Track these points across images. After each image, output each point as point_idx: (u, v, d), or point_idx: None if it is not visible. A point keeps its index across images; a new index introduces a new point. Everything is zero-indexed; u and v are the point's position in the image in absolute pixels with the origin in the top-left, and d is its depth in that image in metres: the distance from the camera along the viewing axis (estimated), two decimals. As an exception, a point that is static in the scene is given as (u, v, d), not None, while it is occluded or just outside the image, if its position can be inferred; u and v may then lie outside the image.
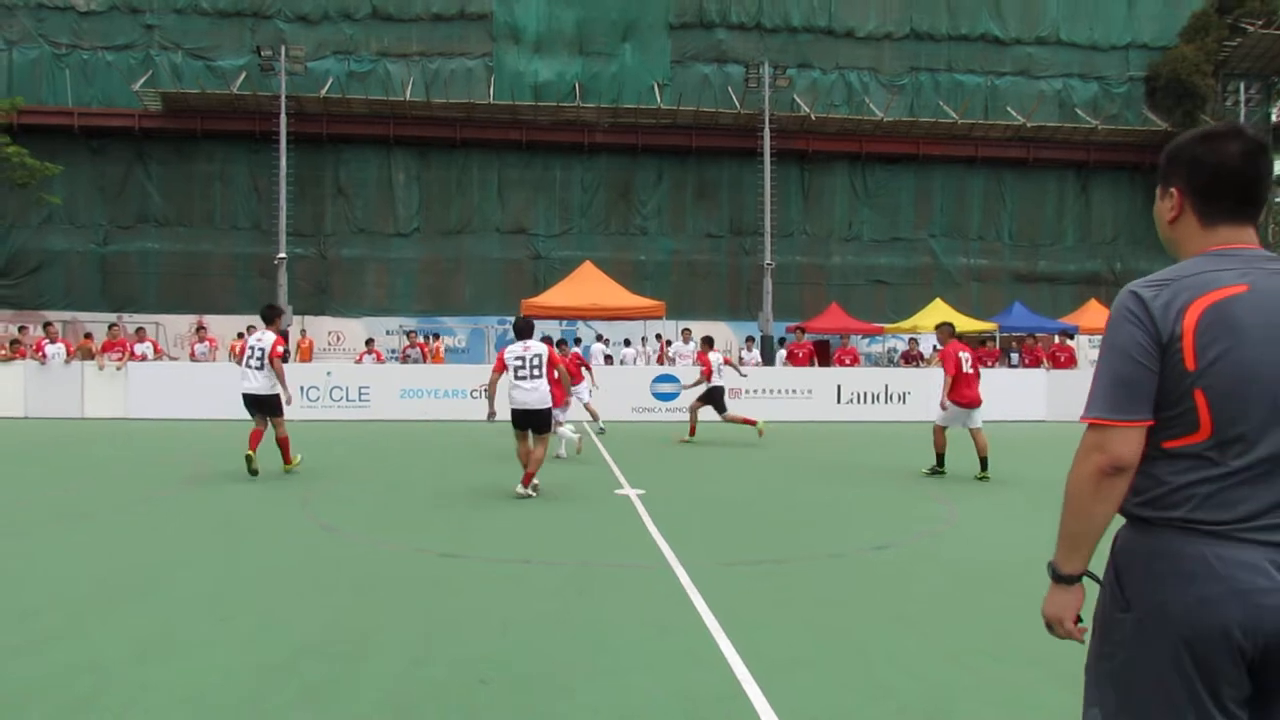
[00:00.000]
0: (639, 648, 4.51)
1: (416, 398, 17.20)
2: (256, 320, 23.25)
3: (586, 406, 14.63)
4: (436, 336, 23.26)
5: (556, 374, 9.34)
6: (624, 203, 30.92)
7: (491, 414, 9.39)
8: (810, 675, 4.17)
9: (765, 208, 27.75)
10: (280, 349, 10.48)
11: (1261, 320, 1.81)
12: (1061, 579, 1.96)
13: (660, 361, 20.89)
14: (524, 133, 29.80)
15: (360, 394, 17.14)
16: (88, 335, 19.54)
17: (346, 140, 29.62)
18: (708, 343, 14.69)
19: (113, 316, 24.67)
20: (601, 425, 14.70)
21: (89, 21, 28.80)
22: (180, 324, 27.36)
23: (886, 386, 18.18)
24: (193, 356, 19.93)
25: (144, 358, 17.87)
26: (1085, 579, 1.97)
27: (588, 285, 21.86)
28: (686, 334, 20.08)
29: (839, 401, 18.01)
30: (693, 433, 14.36)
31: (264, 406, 10.31)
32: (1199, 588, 1.78)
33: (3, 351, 17.36)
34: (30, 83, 28.21)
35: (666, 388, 17.63)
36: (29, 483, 9.66)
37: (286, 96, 26.49)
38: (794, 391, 17.94)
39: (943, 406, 10.57)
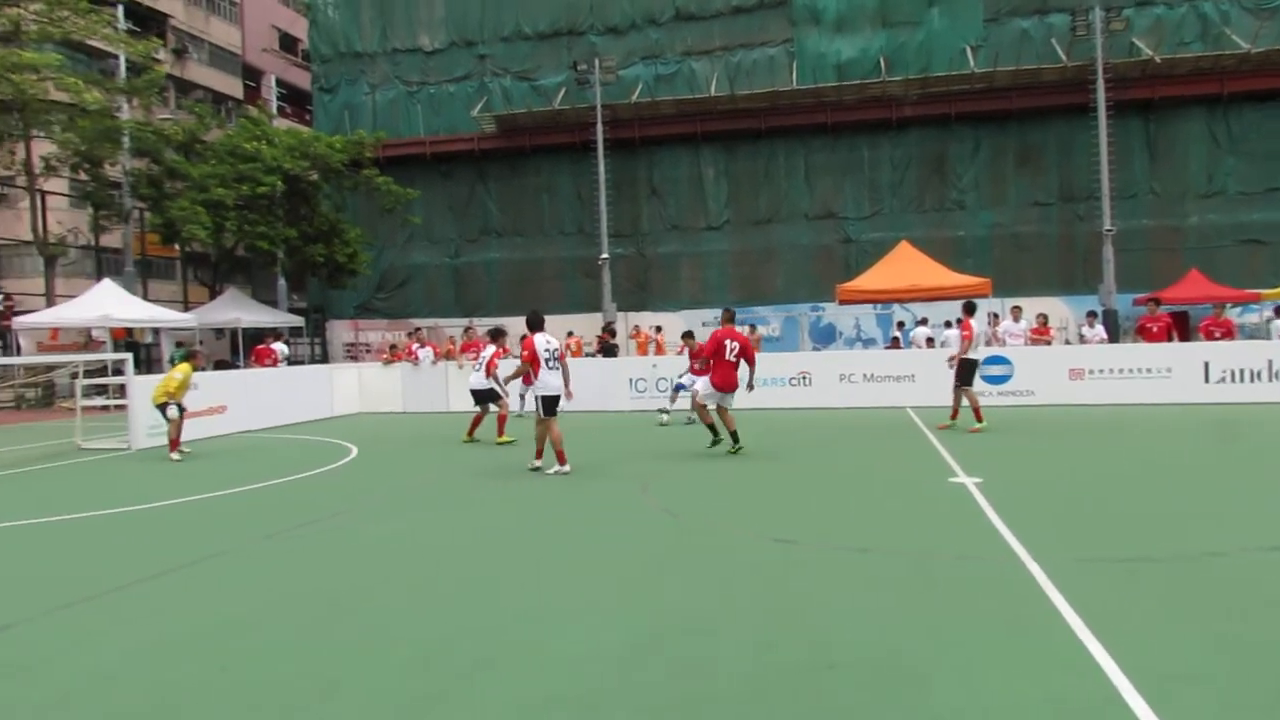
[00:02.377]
0: (994, 645, 4.24)
1: (735, 387, 17.50)
2: (584, 319, 24.83)
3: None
4: (753, 328, 23.50)
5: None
6: (938, 177, 29.41)
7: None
8: (1208, 693, 3.67)
9: (1102, 168, 25.03)
10: (497, 360, 13.86)
11: None
12: None
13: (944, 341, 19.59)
14: (828, 115, 29.33)
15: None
16: (451, 339, 22.06)
17: (657, 142, 30.87)
18: (970, 310, 13.32)
19: (465, 321, 27.60)
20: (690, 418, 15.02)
21: (434, 59, 32.48)
22: (519, 325, 29.97)
23: (1270, 363, 15.62)
24: (532, 354, 21.78)
25: (494, 357, 19.80)
26: None
27: (904, 266, 21.00)
28: (1016, 312, 18.67)
29: (1207, 380, 15.80)
30: (962, 417, 13.25)
31: (487, 396, 13.62)
32: None
33: (384, 356, 20.07)
34: (390, 119, 32.40)
35: (995, 370, 16.51)
36: (409, 469, 11.02)
37: (601, 105, 28.10)
38: (1148, 371, 16.01)
39: (691, 387, 11.49)
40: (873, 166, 29.80)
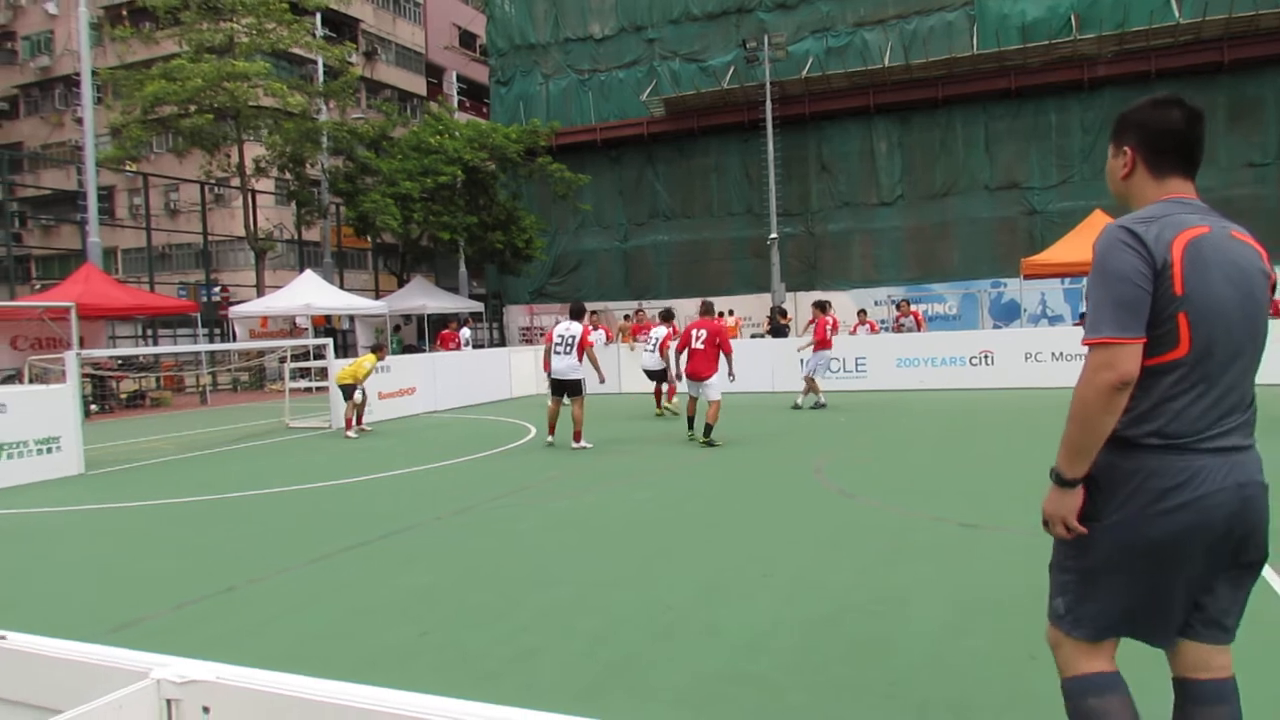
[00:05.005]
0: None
1: (912, 366, 17.01)
2: (754, 300, 24.61)
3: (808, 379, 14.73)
4: (907, 304, 22.52)
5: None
6: (1135, 140, 27.24)
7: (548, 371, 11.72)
8: None
9: (1332, 122, 22.52)
10: (669, 341, 13.61)
11: (1221, 259, 2.11)
12: (1066, 483, 2.23)
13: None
14: (1012, 79, 27.75)
15: (857, 364, 17.42)
16: (625, 317, 22.52)
17: (828, 117, 30.18)
18: None
19: (635, 304, 28.07)
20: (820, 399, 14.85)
21: (604, 46, 33.04)
22: (688, 306, 30.21)
23: None
24: (702, 335, 21.91)
25: (664, 339, 20.06)
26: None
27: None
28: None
29: None
30: None
31: (660, 375, 13.98)
32: (1171, 497, 2.10)
33: (559, 339, 20.76)
34: (562, 108, 33.26)
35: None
36: (585, 449, 11.33)
37: (770, 83, 27.73)
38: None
39: (677, 378, 11.69)
40: (1061, 132, 27.99)
